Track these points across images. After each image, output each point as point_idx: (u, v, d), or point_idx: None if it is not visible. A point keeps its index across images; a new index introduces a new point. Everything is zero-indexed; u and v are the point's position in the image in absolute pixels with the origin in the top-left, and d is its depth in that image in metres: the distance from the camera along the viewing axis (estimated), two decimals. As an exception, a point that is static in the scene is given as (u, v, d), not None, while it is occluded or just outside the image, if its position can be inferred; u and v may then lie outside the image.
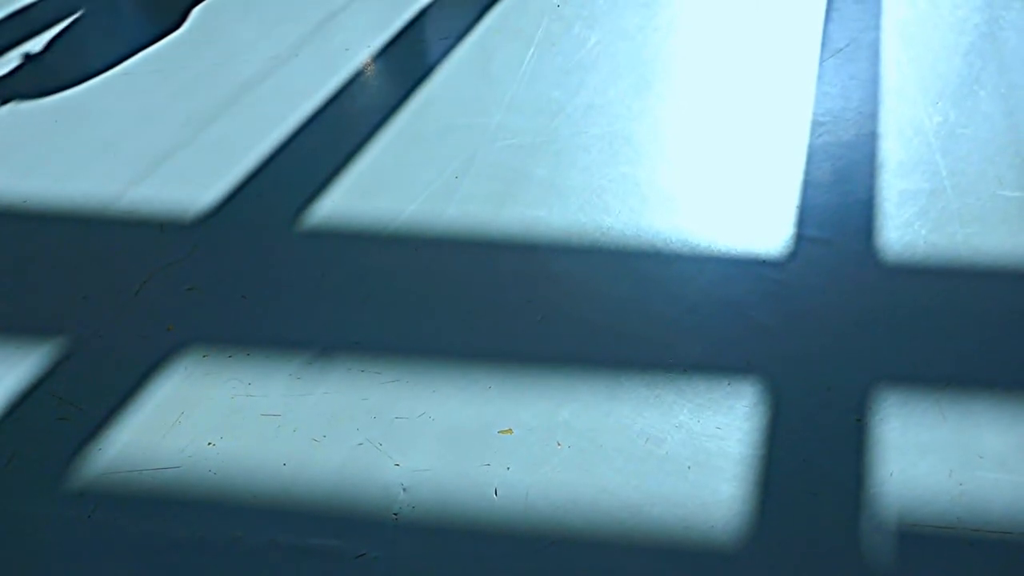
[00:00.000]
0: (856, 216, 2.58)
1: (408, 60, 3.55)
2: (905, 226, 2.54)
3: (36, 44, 3.69)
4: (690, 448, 1.92)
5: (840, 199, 2.68)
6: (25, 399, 2.11)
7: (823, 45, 3.50)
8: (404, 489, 1.86)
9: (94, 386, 2.13)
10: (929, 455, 1.88)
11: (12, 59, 3.54)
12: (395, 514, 1.81)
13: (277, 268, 2.50)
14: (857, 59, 3.24)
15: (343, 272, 2.48)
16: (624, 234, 2.55)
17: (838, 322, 2.24)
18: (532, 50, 3.56)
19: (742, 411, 1.99)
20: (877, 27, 3.62)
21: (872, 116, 3.04)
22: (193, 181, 2.86)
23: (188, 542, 1.77)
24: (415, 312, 2.32)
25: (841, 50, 3.46)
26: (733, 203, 2.66)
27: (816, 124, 3.02)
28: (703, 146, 2.95)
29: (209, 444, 1.97)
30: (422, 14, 3.92)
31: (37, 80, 3.49)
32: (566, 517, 1.79)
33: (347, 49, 3.66)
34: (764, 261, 2.43)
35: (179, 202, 2.77)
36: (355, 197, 2.76)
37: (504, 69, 3.46)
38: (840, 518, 1.77)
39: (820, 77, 3.29)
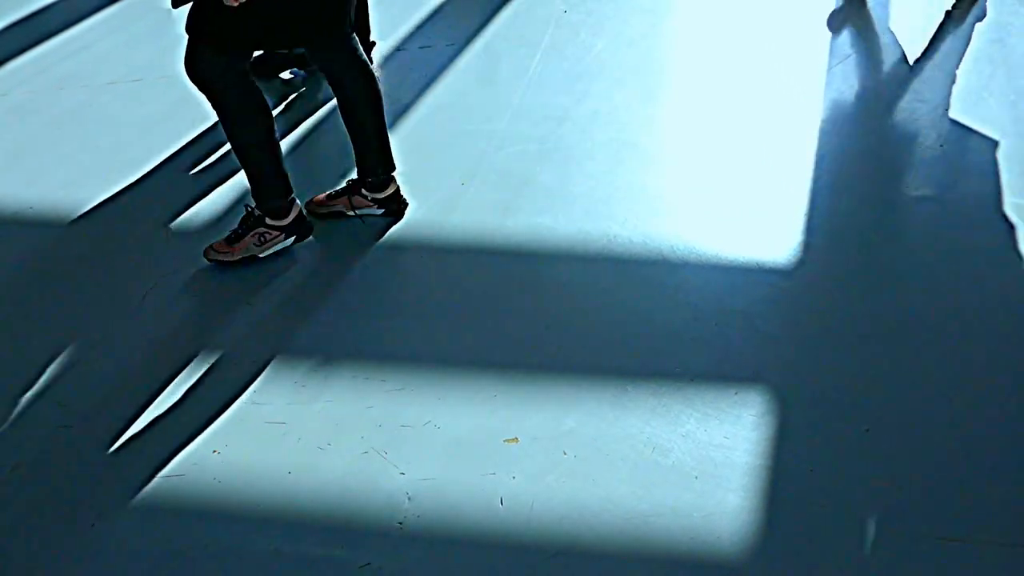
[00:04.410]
0: (864, 224, 2.56)
1: (414, 66, 3.55)
2: (914, 234, 2.53)
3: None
4: (696, 458, 1.91)
5: (848, 207, 2.66)
6: (29, 407, 2.10)
7: (831, 52, 3.49)
8: (409, 498, 1.85)
9: (97, 394, 2.13)
10: (935, 465, 1.86)
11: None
12: (400, 523, 1.80)
13: (281, 275, 2.49)
14: (865, 66, 3.23)
15: (347, 279, 2.47)
16: (631, 242, 2.54)
17: (845, 331, 2.23)
18: (538, 56, 3.56)
19: (749, 421, 1.98)
20: (885, 34, 3.61)
21: (880, 123, 3.03)
22: (199, 188, 2.86)
23: (192, 550, 1.76)
24: (420, 319, 2.31)
25: (849, 57, 3.45)
26: (740, 211, 2.64)
27: (824, 131, 3.01)
28: (710, 153, 2.93)
29: (213, 452, 1.96)
30: (428, 20, 3.92)
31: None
32: (571, 527, 1.78)
33: (353, 55, 3.66)
34: (771, 269, 2.42)
35: (184, 209, 2.76)
36: (361, 204, 2.76)
37: (510, 75, 3.45)
38: (848, 529, 1.75)
39: (828, 84, 3.28)
